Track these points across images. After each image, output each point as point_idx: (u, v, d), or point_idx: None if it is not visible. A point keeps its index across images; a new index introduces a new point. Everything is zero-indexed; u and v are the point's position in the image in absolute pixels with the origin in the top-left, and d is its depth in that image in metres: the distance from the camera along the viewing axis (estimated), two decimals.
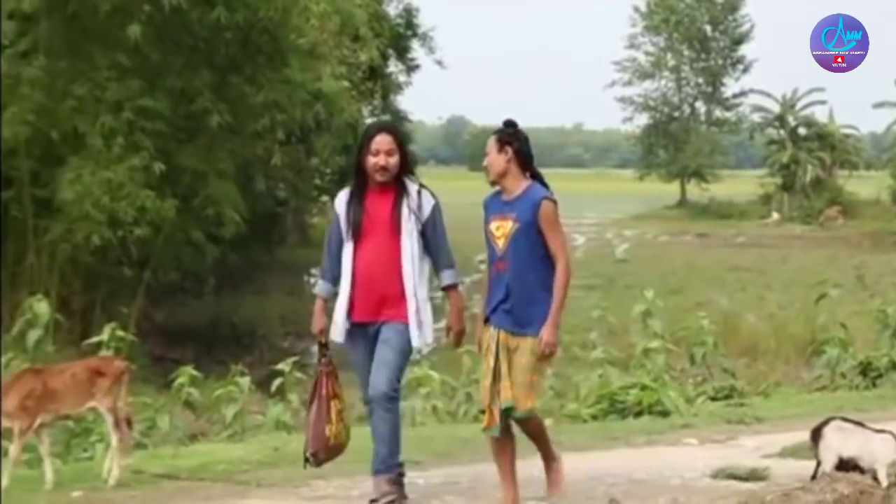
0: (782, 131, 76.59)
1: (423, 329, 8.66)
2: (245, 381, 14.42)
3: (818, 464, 9.23)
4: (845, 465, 9.11)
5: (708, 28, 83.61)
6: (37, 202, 24.94)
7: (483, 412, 8.68)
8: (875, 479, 8.87)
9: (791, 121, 76.51)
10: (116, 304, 25.83)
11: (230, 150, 26.59)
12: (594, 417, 14.08)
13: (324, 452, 8.77)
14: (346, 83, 30.56)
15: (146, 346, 19.50)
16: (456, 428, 13.15)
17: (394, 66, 49.44)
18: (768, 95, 78.66)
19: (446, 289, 8.84)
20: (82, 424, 11.15)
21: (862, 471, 9.01)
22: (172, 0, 23.26)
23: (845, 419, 9.53)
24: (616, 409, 14.29)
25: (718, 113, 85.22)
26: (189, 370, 14.51)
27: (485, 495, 9.03)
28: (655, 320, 16.70)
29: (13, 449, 9.70)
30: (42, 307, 15.45)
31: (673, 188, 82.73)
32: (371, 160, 8.62)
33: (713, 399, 15.55)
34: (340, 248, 8.76)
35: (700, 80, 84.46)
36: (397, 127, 9.38)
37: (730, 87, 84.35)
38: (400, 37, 48.07)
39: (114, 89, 24.21)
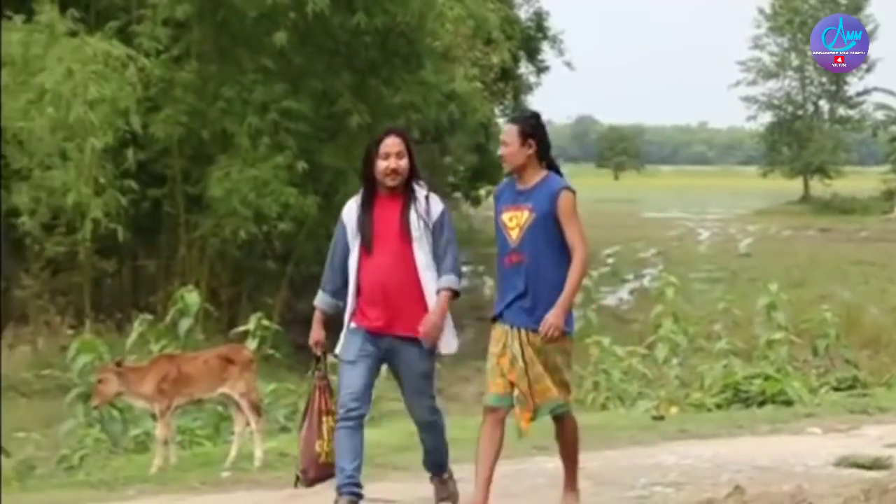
0: None
1: (447, 337, 7.93)
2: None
3: None
4: None
5: None
6: (188, 199, 25.34)
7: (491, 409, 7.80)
8: None
9: None
10: (261, 295, 26.15)
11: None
12: (718, 406, 13.99)
13: (314, 470, 8.12)
14: (478, 84, 30.64)
15: (289, 335, 19.59)
16: (583, 416, 13.09)
17: (524, 68, 49.44)
18: (892, 93, 77.29)
19: (441, 291, 7.88)
20: (229, 409, 11.25)
21: None
22: (315, 7, 23.47)
23: None
24: (740, 399, 14.18)
25: (842, 111, 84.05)
26: (331, 357, 14.61)
27: (612, 481, 8.99)
28: (779, 312, 16.54)
29: (159, 430, 9.92)
30: (192, 297, 15.64)
31: (796, 184, 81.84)
32: (381, 164, 7.90)
33: (836, 389, 15.36)
34: (344, 258, 8.08)
35: (824, 79, 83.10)
36: (406, 129, 8.67)
37: (853, 85, 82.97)
38: (530, 39, 48.05)
39: (260, 92, 24.54)
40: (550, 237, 7.68)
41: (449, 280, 7.87)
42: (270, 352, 14.78)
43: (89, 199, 21.95)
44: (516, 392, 7.63)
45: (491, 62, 32.86)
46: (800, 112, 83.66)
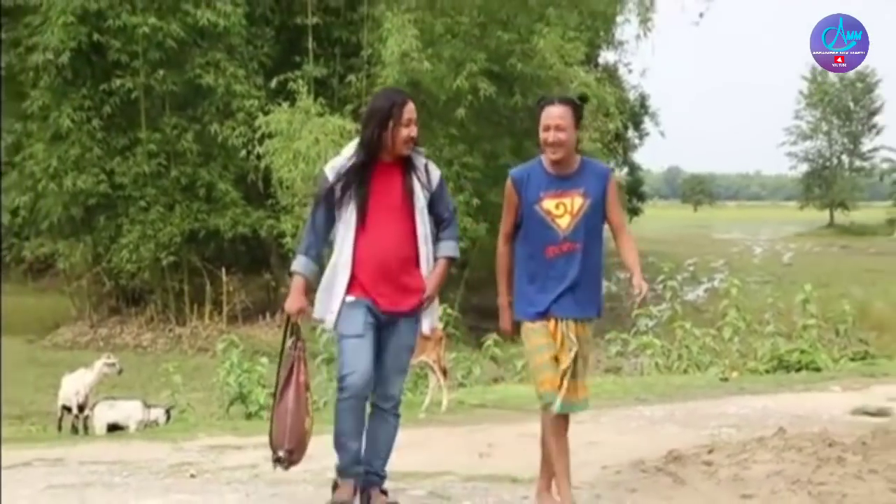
0: None
1: (433, 315, 5.63)
2: None
3: None
4: None
5: (851, 104, 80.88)
6: None
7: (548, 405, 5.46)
8: None
9: None
10: (447, 291, 26.28)
11: None
12: (767, 372, 13.72)
13: (299, 451, 5.40)
14: (598, 144, 30.42)
15: (466, 320, 19.62)
16: (671, 377, 12.96)
17: (631, 133, 49.10)
18: (894, 150, 76.54)
19: (439, 259, 5.57)
20: (424, 370, 11.30)
21: None
22: (486, 92, 23.62)
23: None
24: (783, 366, 13.90)
25: (857, 163, 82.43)
26: (494, 336, 14.61)
27: (692, 424, 8.84)
28: (811, 305, 16.08)
29: None
30: None
31: (824, 215, 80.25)
32: (404, 132, 5.39)
33: (852, 360, 14.93)
34: (328, 222, 5.43)
35: (845, 140, 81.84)
36: None
37: (866, 144, 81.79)
38: (636, 114, 47.79)
39: (447, 151, 24.71)
40: (598, 223, 5.38)
41: (451, 247, 5.60)
42: (452, 331, 14.84)
43: None
44: (568, 376, 5.33)
45: (608, 128, 32.53)
46: (827, 164, 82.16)
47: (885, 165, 78.36)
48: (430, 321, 5.61)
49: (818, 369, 13.56)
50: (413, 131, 5.41)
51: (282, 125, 22.62)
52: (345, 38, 26.68)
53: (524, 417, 9.47)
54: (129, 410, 10.93)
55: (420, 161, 5.53)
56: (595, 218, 5.34)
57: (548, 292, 5.31)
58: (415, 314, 5.49)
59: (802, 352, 14.15)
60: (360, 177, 5.35)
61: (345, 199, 5.36)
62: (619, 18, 34.17)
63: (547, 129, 5.41)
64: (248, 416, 11.07)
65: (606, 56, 39.42)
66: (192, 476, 7.06)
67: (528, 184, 5.47)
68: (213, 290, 25.75)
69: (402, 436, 6.60)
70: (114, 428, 10.78)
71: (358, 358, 5.27)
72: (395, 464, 5.48)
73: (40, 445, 8.59)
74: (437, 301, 5.65)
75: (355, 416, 5.34)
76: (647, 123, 51.20)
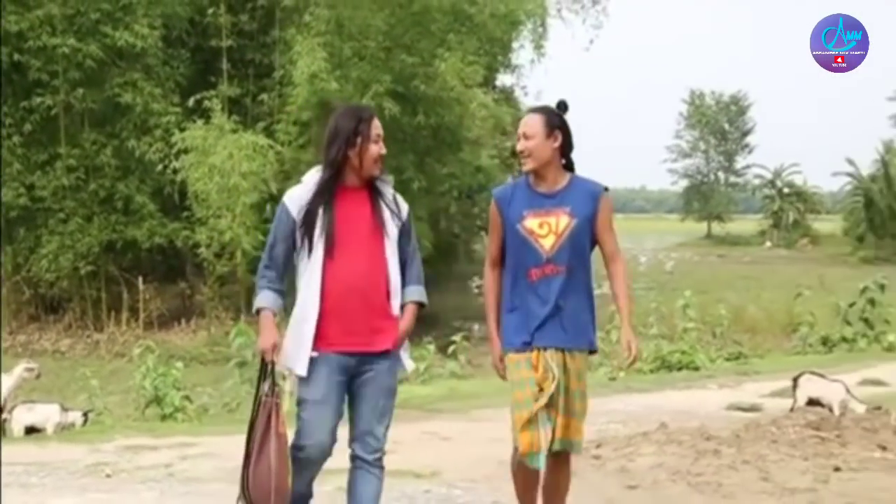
0: (773, 190, 75.77)
1: (408, 351, 4.62)
2: (432, 347, 14.46)
3: (795, 401, 9.05)
4: (812, 402, 8.94)
5: (726, 125, 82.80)
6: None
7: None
8: (830, 410, 8.69)
9: (779, 183, 75.61)
10: None
11: (425, 204, 26.74)
12: (651, 371, 13.92)
13: None
14: (496, 160, 30.58)
15: None
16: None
17: None
18: (764, 167, 78.25)
19: (408, 304, 4.52)
20: None
21: (822, 406, 8.84)
22: (390, 112, 23.55)
23: (813, 372, 9.35)
24: (665, 366, 14.12)
25: (732, 178, 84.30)
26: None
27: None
28: (691, 310, 16.40)
29: None
30: None
31: (702, 226, 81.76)
32: (373, 149, 4.43)
33: (727, 360, 15.25)
34: (287, 256, 4.57)
35: (721, 159, 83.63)
36: None
37: (739, 162, 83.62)
38: None
39: None
40: (586, 245, 4.56)
41: (418, 292, 4.61)
42: None
43: (241, 237, 22.08)
44: (542, 414, 4.48)
45: (505, 146, 32.75)
46: (705, 180, 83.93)
47: (757, 181, 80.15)
48: (409, 359, 4.65)
49: (697, 368, 13.81)
50: (382, 149, 4.48)
51: (197, 141, 22.30)
52: (258, 60, 26.43)
53: (426, 416, 9.49)
54: (47, 413, 10.61)
55: (388, 190, 4.56)
56: (582, 240, 4.53)
57: (531, 319, 4.51)
58: (389, 354, 4.48)
59: (683, 353, 14.41)
60: (326, 201, 4.42)
61: (309, 228, 4.42)
62: (514, 44, 34.36)
63: (518, 139, 4.64)
64: (163, 417, 10.87)
65: (503, 79, 39.54)
66: (108, 475, 6.91)
67: (512, 202, 4.60)
68: (130, 297, 25.26)
69: None
70: (31, 431, 10.47)
71: (318, 427, 4.41)
72: None
73: None
74: (407, 340, 4.59)
75: (311, 472, 4.52)
76: None
